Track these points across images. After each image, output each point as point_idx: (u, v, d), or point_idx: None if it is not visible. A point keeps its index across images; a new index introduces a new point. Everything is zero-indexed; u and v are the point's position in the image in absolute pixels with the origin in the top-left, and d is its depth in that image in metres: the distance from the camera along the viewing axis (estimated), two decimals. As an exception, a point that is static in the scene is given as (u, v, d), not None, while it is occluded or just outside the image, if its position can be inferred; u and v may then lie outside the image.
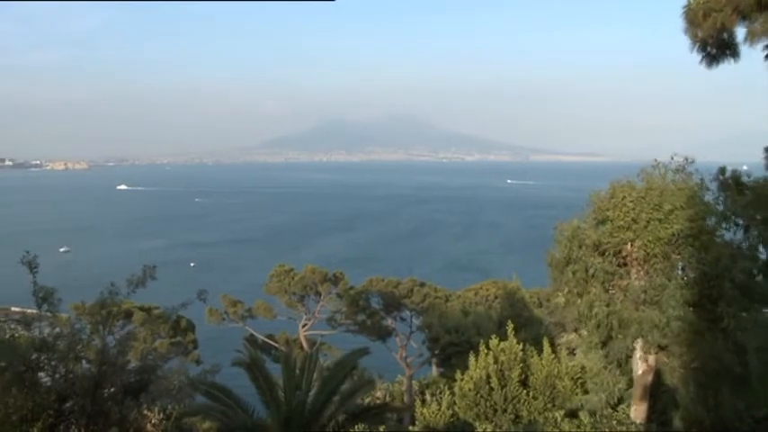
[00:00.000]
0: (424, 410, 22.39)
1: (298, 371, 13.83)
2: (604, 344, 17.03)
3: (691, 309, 15.68)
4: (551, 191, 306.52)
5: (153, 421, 11.87)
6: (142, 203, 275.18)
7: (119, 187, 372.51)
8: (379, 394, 35.29)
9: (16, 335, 11.45)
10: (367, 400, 32.23)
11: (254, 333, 41.18)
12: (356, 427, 15.61)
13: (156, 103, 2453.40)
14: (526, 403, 20.17)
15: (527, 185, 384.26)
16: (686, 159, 16.89)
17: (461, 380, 21.13)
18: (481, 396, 20.52)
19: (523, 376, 20.63)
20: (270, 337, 41.30)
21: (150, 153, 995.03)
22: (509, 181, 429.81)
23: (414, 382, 36.99)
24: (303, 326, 40.11)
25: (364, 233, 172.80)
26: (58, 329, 11.69)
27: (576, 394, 19.85)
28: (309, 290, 39.31)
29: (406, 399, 35.41)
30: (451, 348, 32.32)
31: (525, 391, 20.35)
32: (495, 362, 20.71)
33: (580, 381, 20.26)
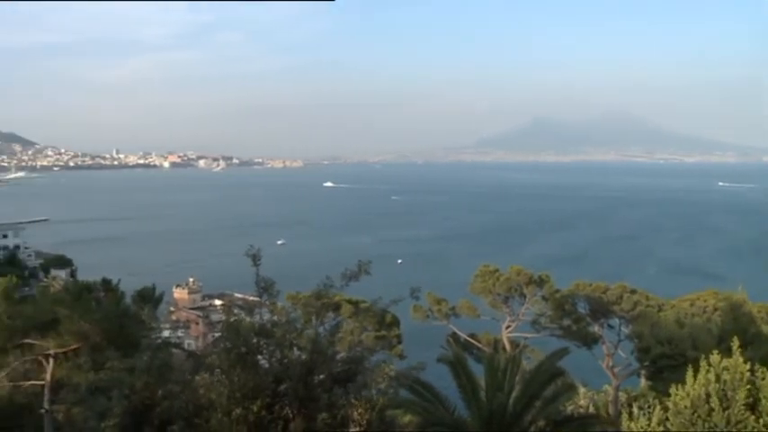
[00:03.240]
0: (632, 424, 21.10)
1: (500, 372, 13.66)
2: None
3: None
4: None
5: (359, 411, 12.28)
6: (345, 200, 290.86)
7: (325, 184, 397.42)
8: (582, 403, 34.06)
9: (240, 319, 12.45)
10: (570, 408, 31.34)
11: (457, 331, 41.38)
12: (558, 434, 15.11)
13: (368, 103, 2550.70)
14: (755, 430, 18.29)
15: (745, 188, 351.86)
16: None
17: (676, 395, 19.66)
18: (698, 416, 18.90)
19: (750, 399, 18.71)
20: (472, 336, 41.31)
21: (362, 152, 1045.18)
22: (720, 183, 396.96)
23: (620, 392, 35.28)
24: (506, 327, 39.72)
25: (574, 234, 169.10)
26: (275, 317, 12.54)
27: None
28: (514, 291, 38.84)
29: (611, 410, 33.88)
30: (663, 361, 30.35)
31: (753, 417, 18.47)
32: (717, 380, 19.00)
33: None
